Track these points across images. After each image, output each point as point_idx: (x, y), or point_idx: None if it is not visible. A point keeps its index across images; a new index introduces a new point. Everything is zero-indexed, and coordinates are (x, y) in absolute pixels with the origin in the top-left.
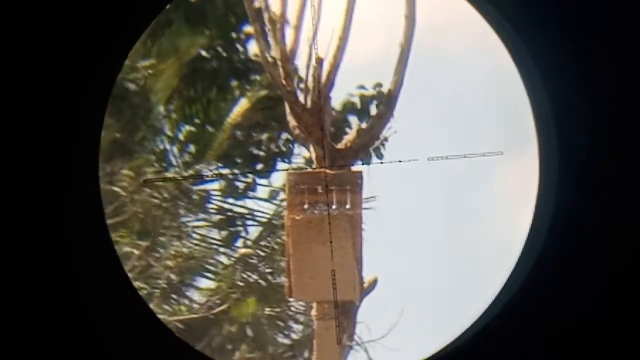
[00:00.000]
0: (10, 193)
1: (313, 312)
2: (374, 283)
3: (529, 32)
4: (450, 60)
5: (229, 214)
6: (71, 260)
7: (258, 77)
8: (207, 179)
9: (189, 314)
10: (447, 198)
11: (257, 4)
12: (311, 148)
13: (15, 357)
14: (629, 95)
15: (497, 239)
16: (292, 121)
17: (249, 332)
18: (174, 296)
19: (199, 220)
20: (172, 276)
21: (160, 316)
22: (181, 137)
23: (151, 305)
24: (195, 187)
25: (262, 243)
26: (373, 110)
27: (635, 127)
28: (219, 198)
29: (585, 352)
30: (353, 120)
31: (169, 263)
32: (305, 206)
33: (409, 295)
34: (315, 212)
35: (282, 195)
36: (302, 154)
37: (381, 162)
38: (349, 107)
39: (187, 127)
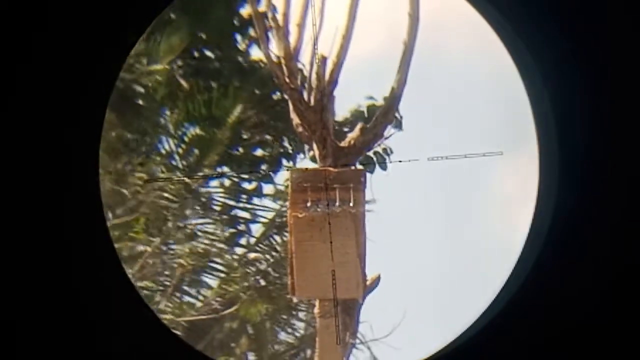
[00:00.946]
0: (10, 193)
1: (315, 310)
2: (377, 280)
3: (529, 32)
4: (450, 60)
5: (233, 213)
6: (71, 260)
7: (261, 76)
8: (214, 175)
9: (197, 315)
10: (447, 198)
11: (260, 2)
12: (314, 146)
13: (15, 357)
14: (629, 95)
15: (497, 239)
16: (295, 119)
17: (251, 330)
18: (179, 295)
19: (204, 219)
20: (180, 276)
21: (167, 316)
22: (186, 139)
23: (160, 305)
24: (200, 187)
25: (265, 242)
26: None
27: (635, 127)
28: (223, 198)
29: (585, 352)
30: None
31: (177, 263)
32: (308, 204)
33: (409, 295)
34: (318, 210)
35: (285, 194)
36: (305, 152)
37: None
38: (357, 115)
39: (192, 128)
